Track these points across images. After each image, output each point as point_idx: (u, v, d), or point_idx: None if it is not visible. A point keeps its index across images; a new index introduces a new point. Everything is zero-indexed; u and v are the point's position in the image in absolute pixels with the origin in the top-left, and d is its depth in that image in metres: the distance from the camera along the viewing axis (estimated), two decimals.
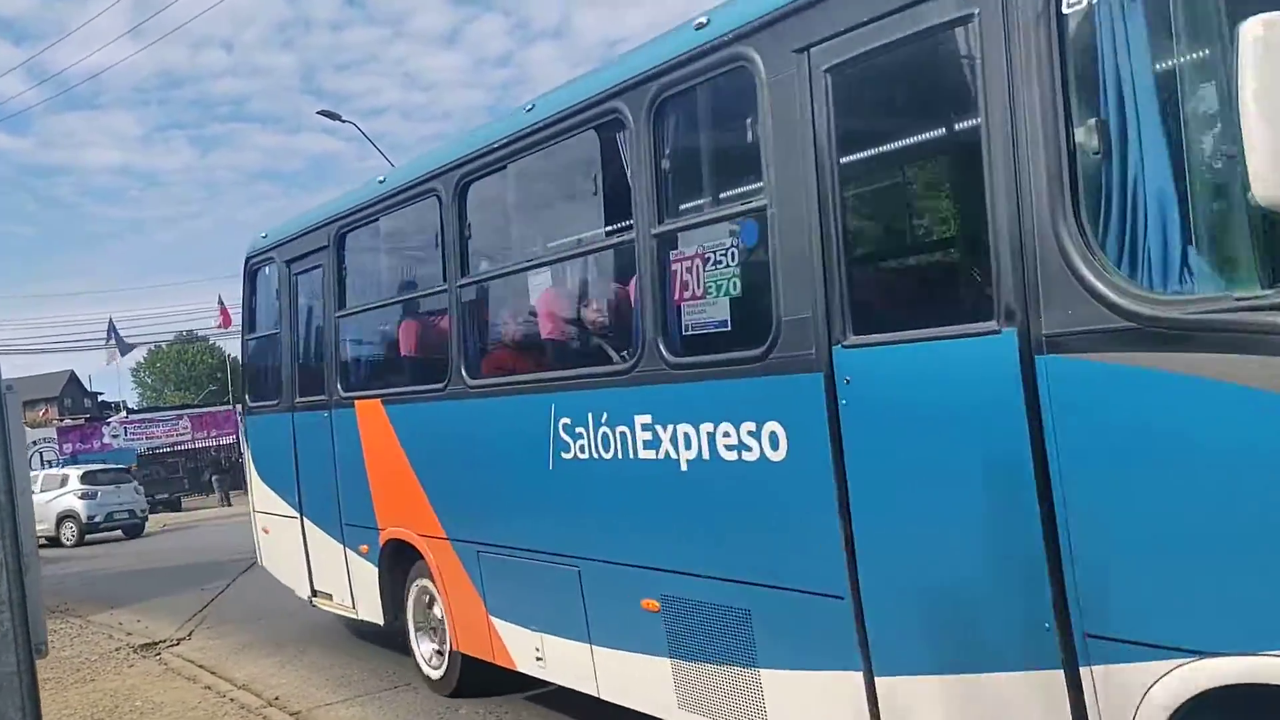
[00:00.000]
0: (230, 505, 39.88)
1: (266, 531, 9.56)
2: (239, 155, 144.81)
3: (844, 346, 4.06)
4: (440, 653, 7.39)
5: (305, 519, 8.67)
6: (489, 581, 6.47)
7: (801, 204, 4.20)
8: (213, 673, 8.90)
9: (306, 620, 10.11)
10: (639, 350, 5.08)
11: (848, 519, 4.08)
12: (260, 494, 9.52)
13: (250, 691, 8.15)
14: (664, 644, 5.10)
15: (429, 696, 7.43)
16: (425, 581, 7.33)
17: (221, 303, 47.97)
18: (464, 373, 6.41)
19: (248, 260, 9.47)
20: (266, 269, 9.21)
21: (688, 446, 4.81)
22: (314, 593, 8.82)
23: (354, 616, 8.26)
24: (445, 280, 6.58)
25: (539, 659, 6.10)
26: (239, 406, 55.50)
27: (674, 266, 4.92)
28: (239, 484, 47.56)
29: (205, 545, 21.52)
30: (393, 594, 7.66)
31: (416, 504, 7.02)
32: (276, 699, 7.89)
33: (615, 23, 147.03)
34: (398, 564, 7.53)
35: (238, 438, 51.12)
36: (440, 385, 6.63)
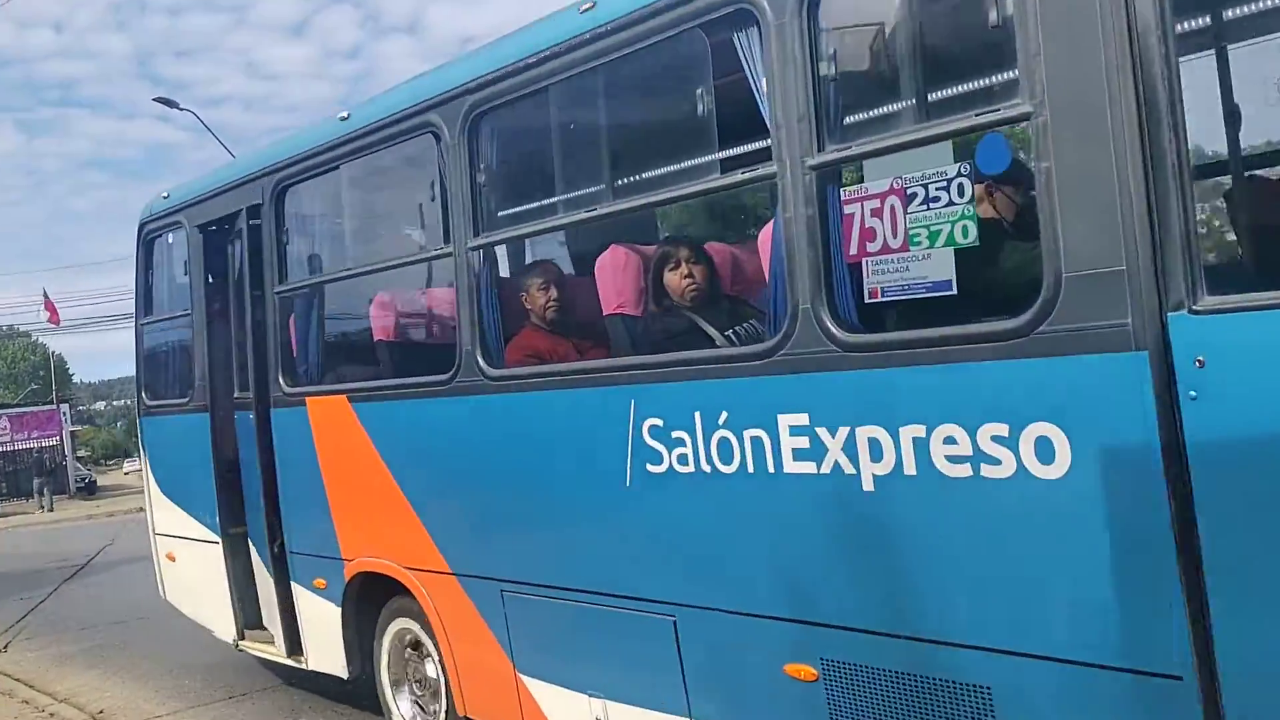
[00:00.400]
0: (53, 511, 37.02)
1: (171, 559, 7.73)
2: (68, 142, 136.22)
3: (1192, 312, 2.78)
4: (428, 713, 5.86)
5: (231, 544, 6.96)
6: (519, 630, 4.96)
7: (1101, 103, 2.90)
8: (31, 686, 8.37)
9: (137, 629, 9.65)
10: (784, 325, 3.68)
11: (1195, 564, 2.80)
12: (163, 512, 7.68)
13: (73, 705, 7.69)
14: None
15: (268, 705, 7.10)
16: (408, 624, 5.77)
17: (47, 296, 44.67)
18: (481, 360, 4.88)
19: (143, 226, 7.64)
20: (170, 236, 7.44)
21: (876, 458, 3.44)
22: (241, 634, 7.09)
23: (300, 666, 6.59)
24: (448, 242, 5.02)
25: None
26: (66, 406, 52.07)
27: (848, 208, 3.56)
28: (63, 488, 44.15)
29: (25, 552, 20.43)
30: (360, 639, 6.07)
31: (404, 529, 5.43)
32: (101, 712, 7.46)
33: (469, 19, 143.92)
34: (366, 602, 5.95)
35: (61, 439, 47.39)
36: (444, 377, 5.05)
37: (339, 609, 6.02)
